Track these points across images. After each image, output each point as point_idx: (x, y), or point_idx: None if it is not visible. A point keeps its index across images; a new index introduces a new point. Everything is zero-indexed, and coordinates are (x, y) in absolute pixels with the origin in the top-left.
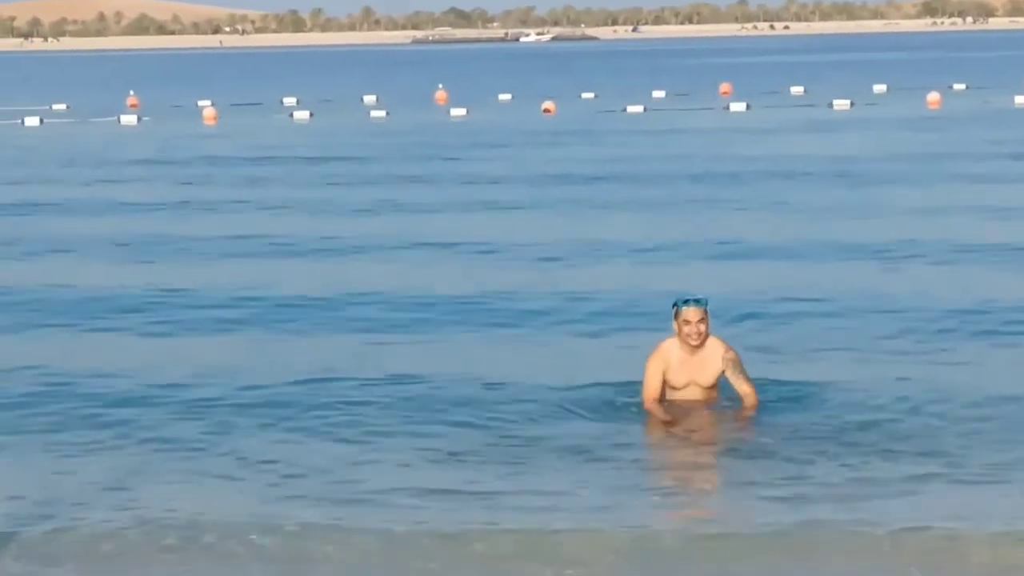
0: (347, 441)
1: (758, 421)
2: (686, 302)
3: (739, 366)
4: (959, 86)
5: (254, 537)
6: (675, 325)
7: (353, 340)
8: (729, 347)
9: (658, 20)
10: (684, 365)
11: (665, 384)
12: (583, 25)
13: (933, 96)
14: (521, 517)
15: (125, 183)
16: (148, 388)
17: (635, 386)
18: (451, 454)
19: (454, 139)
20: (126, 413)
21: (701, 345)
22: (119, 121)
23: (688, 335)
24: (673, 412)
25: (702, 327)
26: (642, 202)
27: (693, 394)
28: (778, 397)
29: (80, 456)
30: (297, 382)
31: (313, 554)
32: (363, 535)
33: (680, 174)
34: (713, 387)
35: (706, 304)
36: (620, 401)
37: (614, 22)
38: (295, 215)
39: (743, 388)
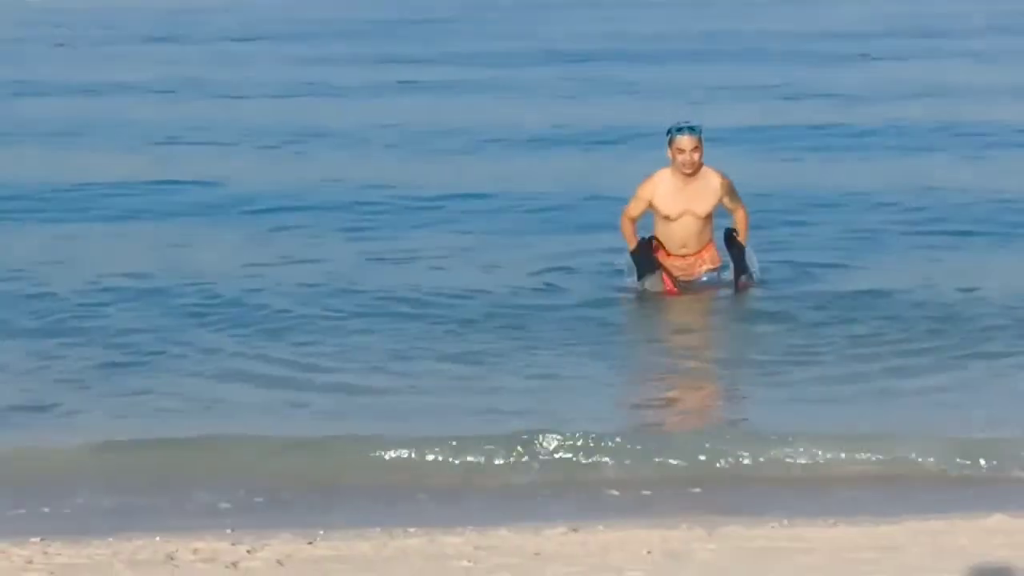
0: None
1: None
2: (680, 130)
3: (733, 191)
4: None
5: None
6: (669, 153)
7: (339, 241)
8: (724, 175)
9: None
10: (679, 194)
11: (659, 215)
12: None
13: None
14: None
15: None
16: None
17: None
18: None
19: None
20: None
21: (695, 174)
22: None
23: (683, 163)
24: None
25: (695, 156)
26: (633, 82)
27: (688, 225)
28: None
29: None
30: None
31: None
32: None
33: (669, 49)
34: (708, 218)
35: (700, 132)
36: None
37: None
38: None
39: (737, 209)
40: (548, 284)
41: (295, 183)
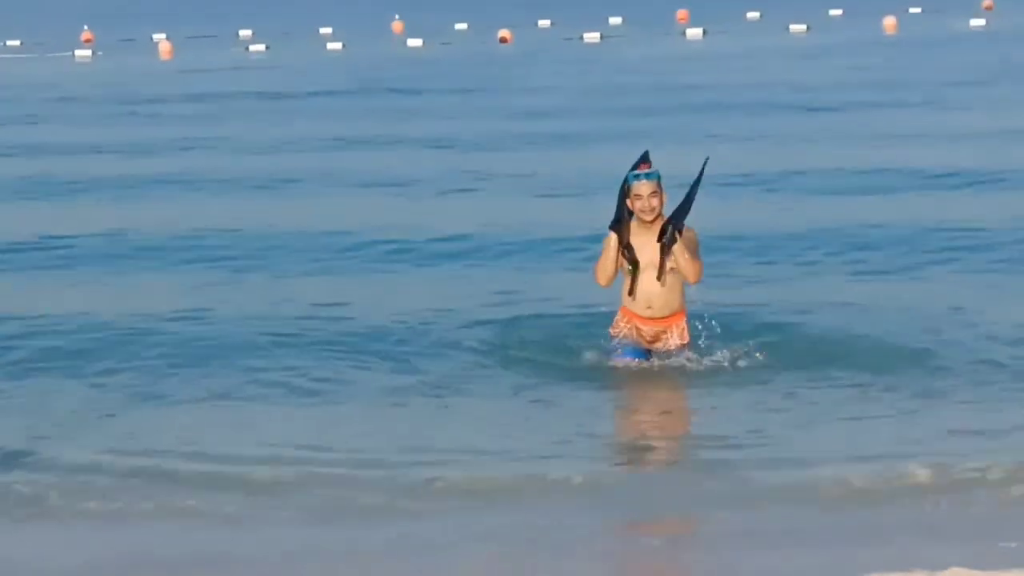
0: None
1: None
2: (636, 176)
3: (694, 244)
4: (915, 9)
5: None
6: (628, 202)
7: (304, 280)
8: (688, 227)
9: None
10: (642, 246)
11: (623, 266)
12: None
13: (889, 20)
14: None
15: (80, 120)
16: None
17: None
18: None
19: (410, 71)
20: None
21: (655, 221)
22: (74, 56)
23: (641, 210)
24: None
25: (654, 201)
26: (602, 133)
27: (652, 277)
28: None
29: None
30: (246, 319)
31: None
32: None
33: (639, 102)
34: (675, 276)
35: (658, 177)
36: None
37: None
38: (250, 153)
39: (690, 266)
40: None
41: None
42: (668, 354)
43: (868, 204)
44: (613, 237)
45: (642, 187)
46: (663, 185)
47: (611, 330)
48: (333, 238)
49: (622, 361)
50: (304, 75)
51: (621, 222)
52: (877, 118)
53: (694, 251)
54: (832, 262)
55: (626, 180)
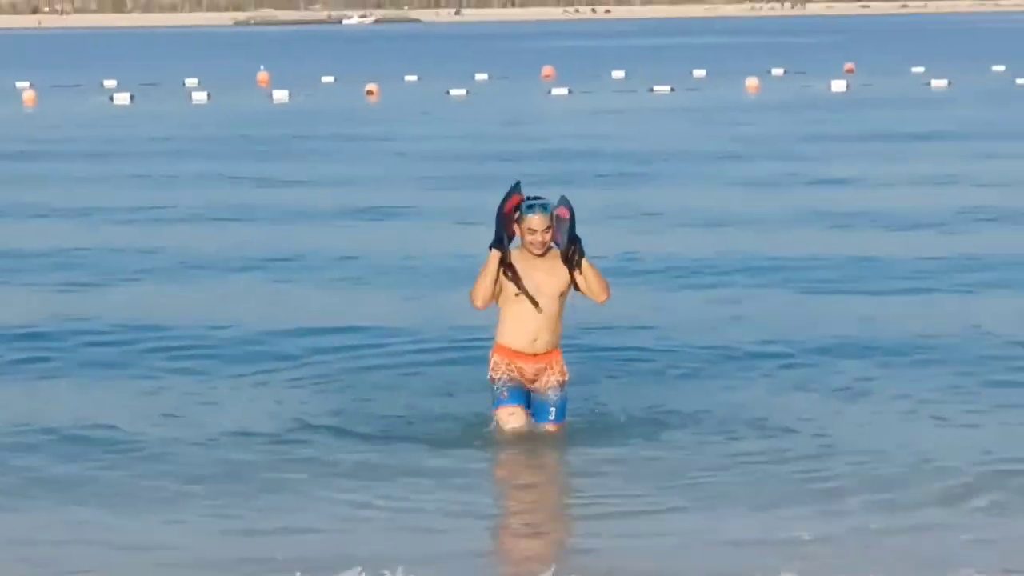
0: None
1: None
2: (531, 207)
3: (590, 265)
4: (777, 71)
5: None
6: (518, 230)
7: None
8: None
9: (481, 3)
10: (530, 273)
11: (508, 294)
12: (406, 7)
13: (752, 81)
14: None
15: None
16: None
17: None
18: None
19: (276, 124)
20: None
21: (545, 254)
22: None
23: (532, 244)
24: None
25: (547, 236)
26: (460, 183)
27: (541, 307)
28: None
29: None
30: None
31: None
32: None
33: (498, 156)
34: (560, 299)
35: (551, 210)
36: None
37: (437, 4)
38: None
39: (601, 281)
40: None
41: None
42: (547, 395)
43: (707, 240)
44: (496, 255)
45: (535, 221)
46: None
47: (490, 374)
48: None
49: (507, 409)
50: (166, 125)
51: (503, 241)
52: (727, 169)
53: (595, 270)
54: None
55: (518, 209)
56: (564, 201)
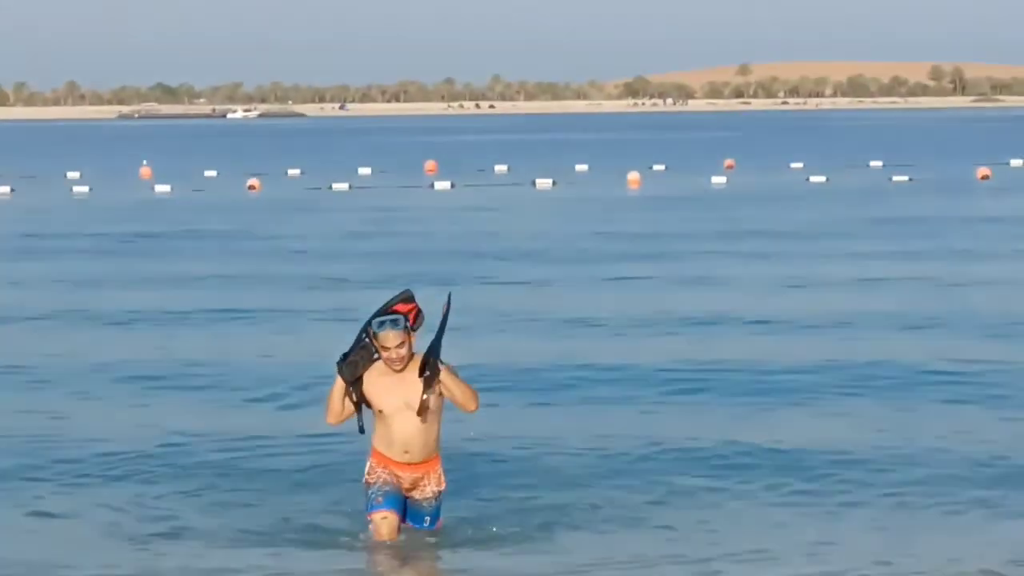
0: None
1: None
2: (381, 324)
3: (453, 374)
4: (659, 166)
5: None
6: (377, 348)
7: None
8: (441, 361)
9: (365, 98)
10: (392, 388)
11: (377, 411)
12: (290, 102)
13: (633, 176)
14: None
15: None
16: None
17: None
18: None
19: (155, 217)
20: None
21: (406, 367)
22: None
23: (389, 361)
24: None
25: (402, 351)
26: (339, 280)
27: (407, 421)
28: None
29: None
30: None
31: None
32: None
33: (381, 252)
34: (433, 417)
35: (403, 325)
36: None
37: (321, 99)
38: None
39: (466, 391)
40: None
41: None
42: (421, 504)
43: (574, 344)
44: (339, 382)
45: (388, 338)
46: (413, 328)
47: (366, 478)
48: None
49: (380, 513)
50: (47, 218)
51: (348, 361)
52: (613, 267)
53: (459, 379)
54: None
55: (369, 323)
56: (447, 300)
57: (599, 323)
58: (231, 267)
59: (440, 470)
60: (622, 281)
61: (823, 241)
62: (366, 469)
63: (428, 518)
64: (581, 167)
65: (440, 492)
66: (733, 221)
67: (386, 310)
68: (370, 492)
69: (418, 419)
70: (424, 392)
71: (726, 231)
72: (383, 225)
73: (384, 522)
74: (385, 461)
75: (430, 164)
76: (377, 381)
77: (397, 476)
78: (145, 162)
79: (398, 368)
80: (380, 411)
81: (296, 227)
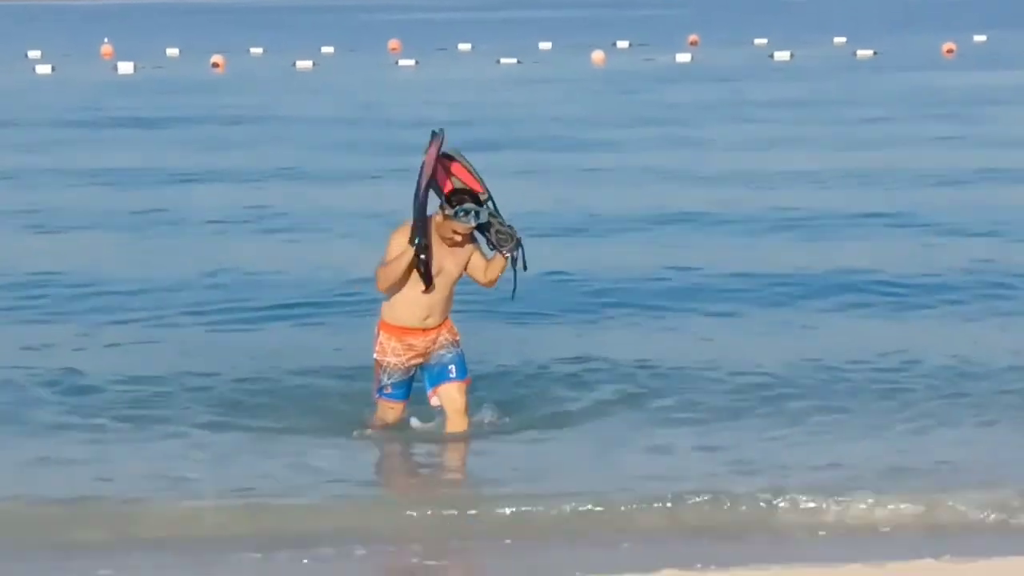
0: None
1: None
2: (467, 213)
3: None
4: (622, 43)
5: None
6: (439, 214)
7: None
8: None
9: None
10: (439, 258)
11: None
12: None
13: (597, 54)
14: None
15: None
16: None
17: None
18: None
19: (122, 97)
20: None
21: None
22: None
23: (446, 240)
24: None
25: (465, 240)
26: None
27: (439, 286)
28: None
29: None
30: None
31: None
32: None
33: (342, 130)
34: (457, 278)
35: (475, 218)
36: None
37: None
38: None
39: (495, 275)
40: None
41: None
42: (442, 356)
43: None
44: (410, 253)
45: (462, 227)
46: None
47: (375, 355)
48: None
49: (388, 403)
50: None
51: (426, 245)
52: (584, 151)
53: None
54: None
55: (451, 202)
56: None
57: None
58: (223, 153)
59: (452, 325)
60: (596, 167)
61: (790, 109)
62: (376, 345)
63: (452, 367)
64: (544, 45)
65: (456, 340)
66: (697, 94)
67: (465, 188)
68: (381, 376)
69: (445, 288)
70: (513, 267)
71: (693, 102)
72: (347, 103)
73: (391, 411)
74: (399, 332)
75: (393, 43)
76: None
77: (410, 346)
78: (106, 40)
79: (451, 244)
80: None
81: (271, 106)
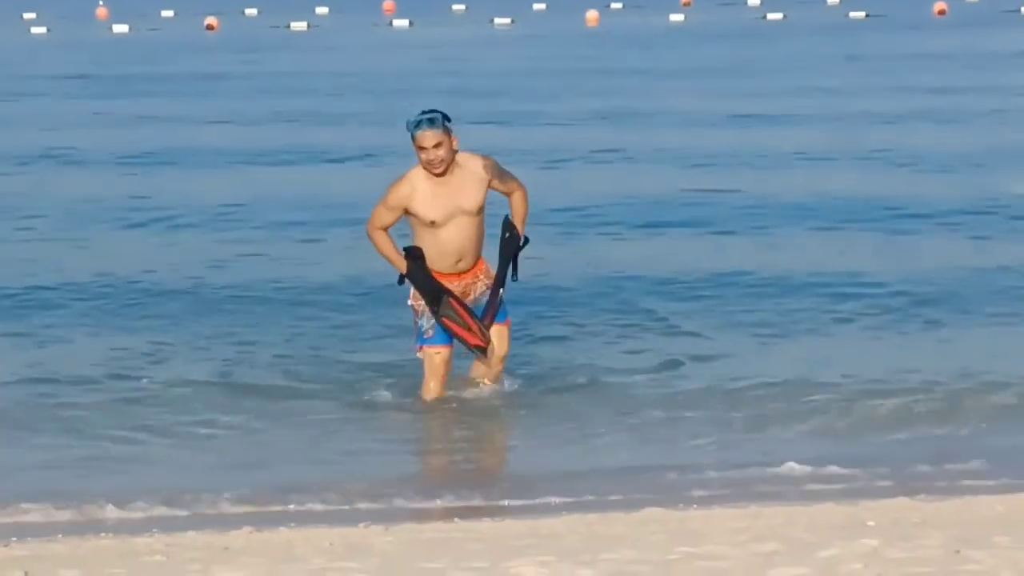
0: None
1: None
2: (417, 124)
3: (502, 171)
4: (616, 4)
5: None
6: (416, 151)
7: None
8: (485, 156)
9: None
10: (439, 196)
11: (422, 223)
12: None
13: (591, 13)
14: None
15: None
16: None
17: None
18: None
19: (121, 59)
20: None
21: (447, 171)
22: None
23: (428, 163)
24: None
25: (441, 152)
26: (311, 117)
27: (461, 229)
28: None
29: None
30: None
31: None
32: None
33: (347, 88)
34: (481, 216)
35: (441, 123)
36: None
37: None
38: None
39: (513, 191)
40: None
41: None
42: (481, 302)
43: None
44: (399, 262)
45: (425, 138)
46: (451, 128)
47: (411, 302)
48: None
49: (434, 348)
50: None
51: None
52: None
53: (509, 176)
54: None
55: (407, 126)
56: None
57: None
58: (220, 106)
59: (488, 268)
60: (588, 121)
61: (783, 76)
62: (411, 292)
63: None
64: (539, 5)
65: (491, 285)
66: (688, 58)
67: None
68: (420, 322)
69: (470, 226)
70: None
71: (681, 68)
72: (344, 64)
73: (438, 356)
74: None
75: (388, 3)
76: (422, 190)
77: (446, 286)
78: (101, 2)
79: (438, 171)
80: (432, 222)
81: (267, 65)
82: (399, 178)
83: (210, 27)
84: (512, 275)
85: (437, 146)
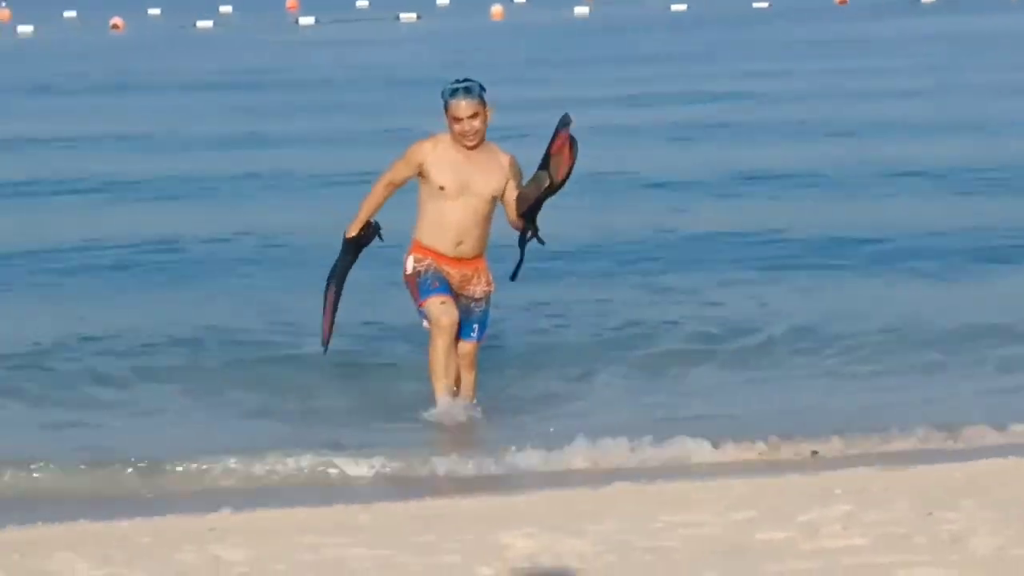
0: None
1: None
2: (454, 92)
3: (520, 174)
4: None
5: None
6: (447, 122)
7: None
8: (513, 156)
9: None
10: (459, 166)
11: (433, 186)
12: None
13: (496, 8)
14: None
15: None
16: None
17: None
18: None
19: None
20: None
21: (478, 146)
22: None
23: (461, 134)
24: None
25: (476, 123)
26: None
27: (468, 208)
28: None
29: None
30: None
31: None
32: None
33: (252, 86)
34: (491, 208)
35: (479, 94)
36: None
37: None
38: None
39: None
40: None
41: None
42: (471, 308)
43: None
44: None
45: (460, 107)
46: (487, 100)
47: (414, 267)
48: None
49: (439, 297)
50: None
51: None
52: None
53: (520, 184)
54: None
55: (442, 95)
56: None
57: None
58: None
59: (488, 270)
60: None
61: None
62: (408, 266)
63: (476, 326)
64: (442, 1)
65: (490, 293)
66: (593, 48)
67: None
68: (420, 279)
69: (479, 207)
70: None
71: (590, 57)
72: (251, 62)
73: (445, 306)
74: (432, 256)
75: (291, 1)
76: (444, 155)
77: (446, 272)
78: (4, 4)
79: (471, 143)
80: (441, 187)
81: (160, 65)
82: (423, 138)
83: (115, 27)
84: (533, 232)
85: (473, 116)
